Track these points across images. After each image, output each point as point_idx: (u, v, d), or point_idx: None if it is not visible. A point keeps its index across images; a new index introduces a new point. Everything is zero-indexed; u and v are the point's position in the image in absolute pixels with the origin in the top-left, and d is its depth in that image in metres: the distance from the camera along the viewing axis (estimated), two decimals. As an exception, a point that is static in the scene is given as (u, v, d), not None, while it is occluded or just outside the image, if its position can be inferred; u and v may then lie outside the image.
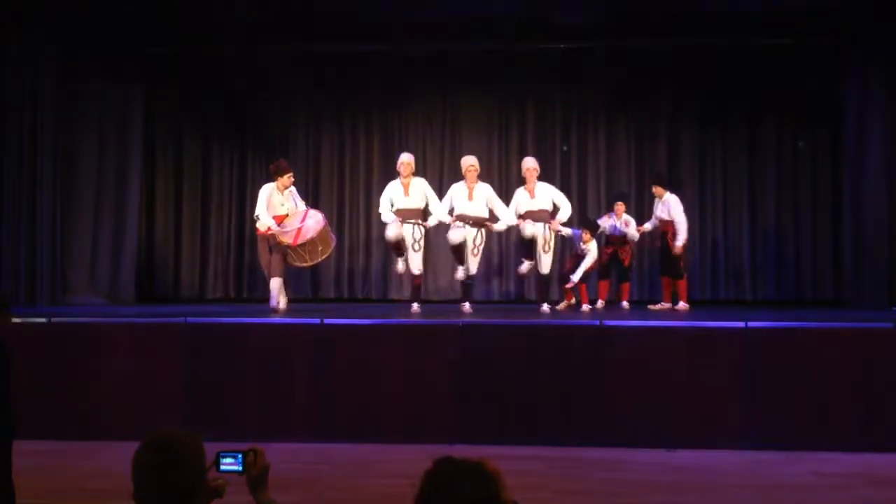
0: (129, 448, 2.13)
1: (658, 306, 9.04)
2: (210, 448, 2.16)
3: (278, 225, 8.02)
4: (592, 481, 5.60)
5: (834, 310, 9.29)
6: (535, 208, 8.31)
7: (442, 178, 10.66)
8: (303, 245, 7.92)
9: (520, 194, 8.47)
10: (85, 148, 9.58)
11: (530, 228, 8.18)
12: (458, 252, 8.33)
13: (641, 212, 10.03)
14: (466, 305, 8.22)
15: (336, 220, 10.96)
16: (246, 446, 2.31)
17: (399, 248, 8.30)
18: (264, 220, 8.01)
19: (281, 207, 8.16)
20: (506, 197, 8.74)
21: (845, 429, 6.39)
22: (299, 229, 7.94)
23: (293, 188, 8.35)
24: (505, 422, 6.58)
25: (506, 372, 6.64)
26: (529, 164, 8.50)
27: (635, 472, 5.78)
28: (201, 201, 10.94)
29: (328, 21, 9.40)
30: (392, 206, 8.26)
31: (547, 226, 8.24)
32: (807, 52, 10.02)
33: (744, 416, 6.48)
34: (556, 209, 8.45)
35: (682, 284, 8.93)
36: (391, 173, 9.74)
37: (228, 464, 2.26)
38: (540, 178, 8.56)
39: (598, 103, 10.83)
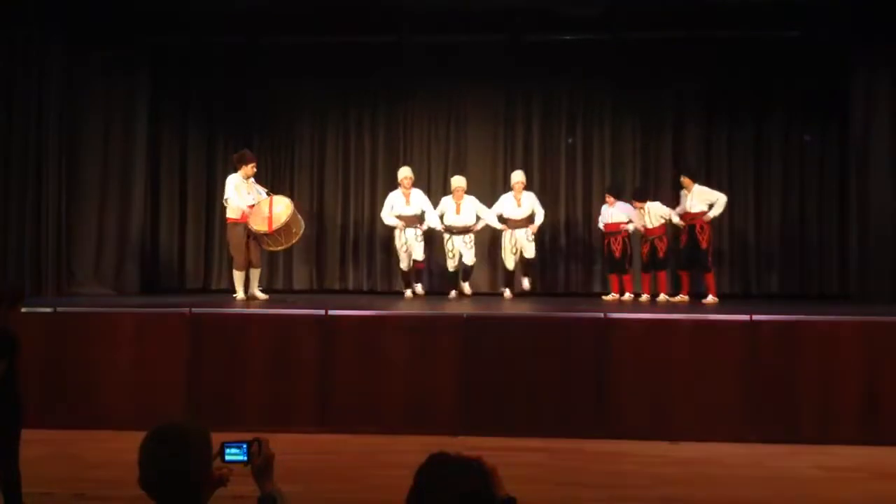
0: (134, 437, 2.14)
1: (678, 298, 8.99)
2: (214, 438, 2.17)
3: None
4: (595, 473, 5.61)
5: (839, 303, 9.27)
6: (520, 217, 9.33)
7: (446, 171, 10.68)
8: (278, 230, 8.23)
9: (507, 201, 9.37)
10: (90, 139, 9.60)
11: (511, 262, 9.44)
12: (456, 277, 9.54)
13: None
14: (466, 285, 9.52)
15: (341, 213, 11.00)
16: (250, 436, 2.32)
17: (409, 273, 9.40)
18: (238, 204, 8.34)
19: (247, 197, 8.42)
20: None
21: (849, 422, 6.39)
22: (270, 217, 8.24)
23: (253, 178, 8.62)
24: (508, 413, 6.59)
25: (509, 363, 6.65)
26: (520, 177, 9.43)
27: (638, 465, 5.79)
28: (206, 192, 10.95)
29: (333, 13, 9.38)
30: (392, 209, 9.26)
31: (527, 230, 9.31)
32: (814, 46, 9.97)
33: (748, 409, 6.48)
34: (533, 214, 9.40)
35: (710, 277, 8.94)
36: (396, 166, 10.03)
37: (233, 454, 2.27)
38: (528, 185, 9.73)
39: (604, 95, 10.81)
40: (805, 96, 10.31)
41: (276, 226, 8.20)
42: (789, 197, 10.46)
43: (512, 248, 9.33)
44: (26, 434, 4.13)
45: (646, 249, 9.35)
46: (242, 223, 8.39)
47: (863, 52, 9.49)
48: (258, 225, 8.27)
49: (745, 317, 6.66)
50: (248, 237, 8.44)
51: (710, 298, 8.78)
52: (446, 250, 9.42)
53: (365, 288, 10.86)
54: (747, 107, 10.55)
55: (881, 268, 9.25)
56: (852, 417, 6.40)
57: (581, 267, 10.73)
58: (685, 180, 9.07)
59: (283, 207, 8.34)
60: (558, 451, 6.06)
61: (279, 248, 8.73)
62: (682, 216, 9.03)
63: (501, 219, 9.37)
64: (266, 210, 8.32)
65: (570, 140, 10.85)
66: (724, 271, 10.46)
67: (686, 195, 9.02)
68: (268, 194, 8.60)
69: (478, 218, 9.36)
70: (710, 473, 5.62)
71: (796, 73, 10.20)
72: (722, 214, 9.15)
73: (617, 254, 9.38)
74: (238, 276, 8.59)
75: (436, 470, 1.80)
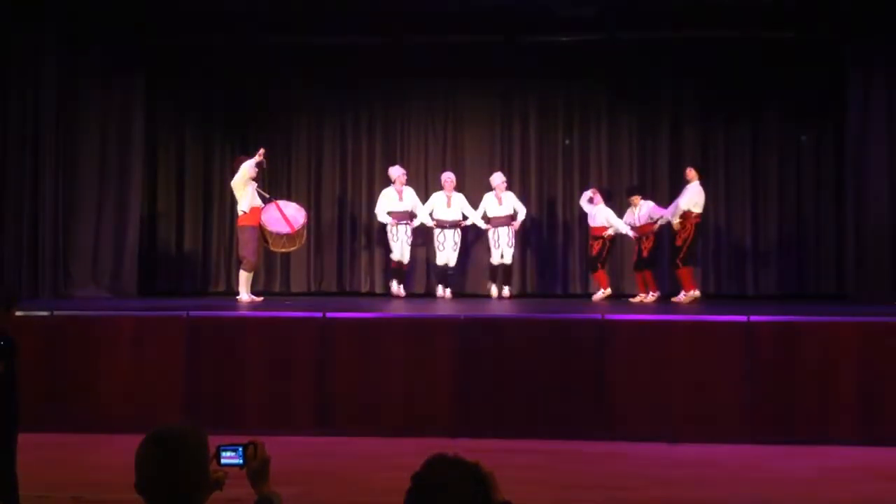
0: (131, 441, 2.13)
1: (680, 297, 9.02)
2: (213, 441, 2.17)
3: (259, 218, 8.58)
4: (593, 475, 5.61)
5: (836, 304, 9.27)
6: (502, 214, 9.72)
7: (443, 171, 10.65)
8: (298, 231, 8.65)
9: (489, 200, 9.79)
10: (87, 141, 9.56)
11: (497, 257, 9.72)
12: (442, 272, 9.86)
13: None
14: (448, 291, 9.70)
15: (338, 214, 10.98)
16: (246, 439, 2.32)
17: (400, 271, 9.70)
18: (252, 202, 8.48)
19: (255, 200, 8.58)
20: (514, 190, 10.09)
21: (847, 423, 6.39)
22: (286, 218, 8.61)
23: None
24: (506, 415, 6.59)
25: (507, 365, 6.64)
26: (500, 179, 9.81)
27: (636, 466, 5.79)
28: (203, 194, 10.93)
29: (329, 13, 9.38)
30: (386, 206, 9.64)
31: (509, 228, 9.65)
32: (810, 46, 9.98)
33: (745, 410, 6.48)
34: (515, 213, 9.79)
35: (678, 275, 8.99)
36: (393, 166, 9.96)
37: (229, 457, 2.26)
38: (509, 185, 9.98)
39: (600, 96, 10.81)
40: (802, 96, 10.32)
41: (296, 226, 8.56)
42: (786, 197, 10.46)
43: (496, 243, 9.66)
44: (24, 438, 4.12)
45: (636, 249, 9.42)
46: (257, 226, 8.52)
47: (860, 52, 9.49)
48: (279, 226, 8.53)
49: (743, 318, 6.65)
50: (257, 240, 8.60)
51: (682, 296, 8.90)
52: (438, 243, 9.72)
53: (363, 290, 10.84)
54: (744, 107, 10.55)
55: (878, 268, 9.25)
56: (850, 418, 6.40)
57: (578, 267, 10.72)
58: (690, 172, 9.06)
59: (294, 209, 8.77)
60: (557, 454, 6.06)
61: (291, 248, 9.03)
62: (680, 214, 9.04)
63: (485, 218, 9.76)
64: (278, 213, 8.62)
65: (566, 141, 10.85)
66: (721, 272, 10.48)
67: (687, 188, 9.02)
68: (268, 200, 8.75)
69: (464, 216, 9.79)
70: (708, 475, 5.63)
71: (793, 73, 10.20)
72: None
73: (593, 252, 9.53)
74: (248, 278, 8.65)
75: (434, 473, 1.80)
